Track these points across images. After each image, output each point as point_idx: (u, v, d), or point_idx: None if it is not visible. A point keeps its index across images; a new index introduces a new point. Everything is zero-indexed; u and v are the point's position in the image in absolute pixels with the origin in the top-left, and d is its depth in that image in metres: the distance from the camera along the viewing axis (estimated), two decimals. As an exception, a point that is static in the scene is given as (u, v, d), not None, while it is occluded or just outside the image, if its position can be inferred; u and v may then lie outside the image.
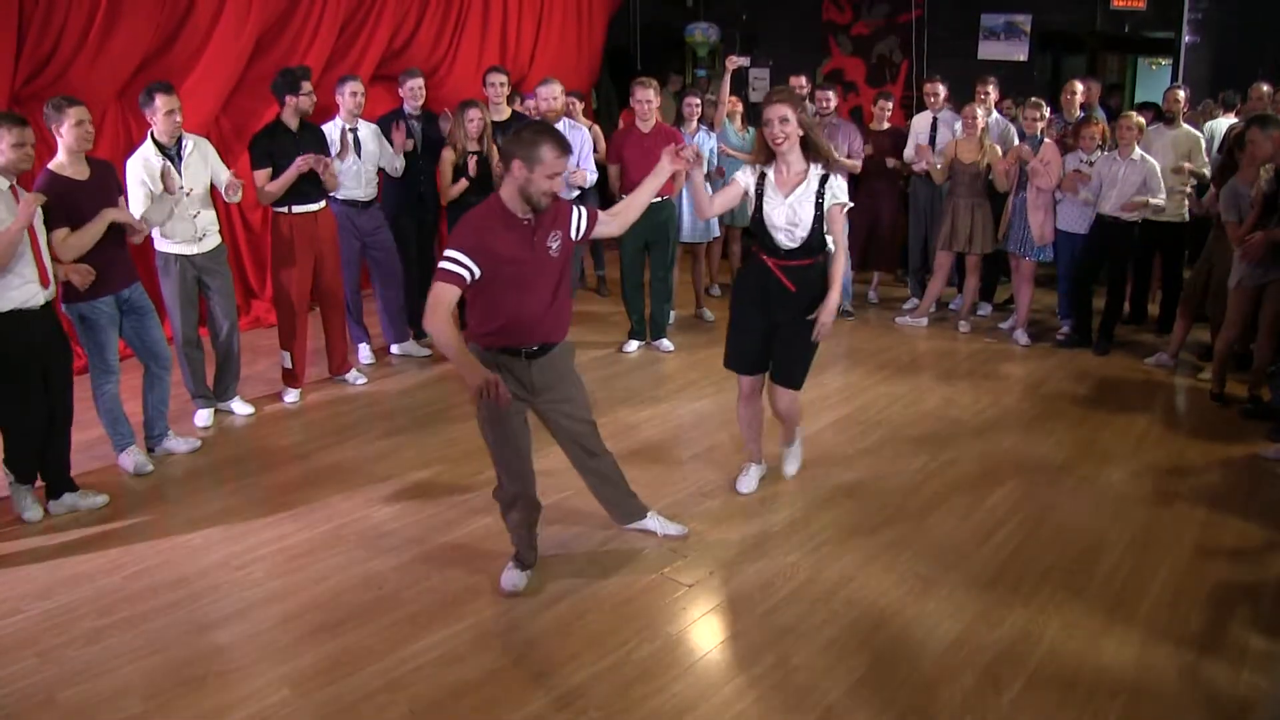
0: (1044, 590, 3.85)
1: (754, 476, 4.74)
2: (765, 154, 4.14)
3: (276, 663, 3.44)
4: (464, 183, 6.14)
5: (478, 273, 3.35)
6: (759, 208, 4.17)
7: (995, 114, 7.35)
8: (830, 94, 7.38)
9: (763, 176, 4.17)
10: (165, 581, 3.98)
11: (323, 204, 5.79)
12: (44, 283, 4.27)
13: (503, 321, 3.48)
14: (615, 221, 3.87)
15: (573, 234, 3.63)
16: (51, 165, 4.50)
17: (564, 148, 3.38)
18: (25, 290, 4.17)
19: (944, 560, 4.08)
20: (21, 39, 5.89)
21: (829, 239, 4.19)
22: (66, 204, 4.42)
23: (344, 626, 3.64)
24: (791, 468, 4.86)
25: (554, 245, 3.52)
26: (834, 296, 4.16)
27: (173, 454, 5.15)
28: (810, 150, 4.10)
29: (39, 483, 4.51)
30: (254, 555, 4.20)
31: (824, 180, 4.08)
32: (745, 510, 4.51)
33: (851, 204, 4.21)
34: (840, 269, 4.19)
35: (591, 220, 3.71)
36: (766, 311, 4.28)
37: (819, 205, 4.08)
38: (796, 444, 4.85)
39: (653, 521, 4.24)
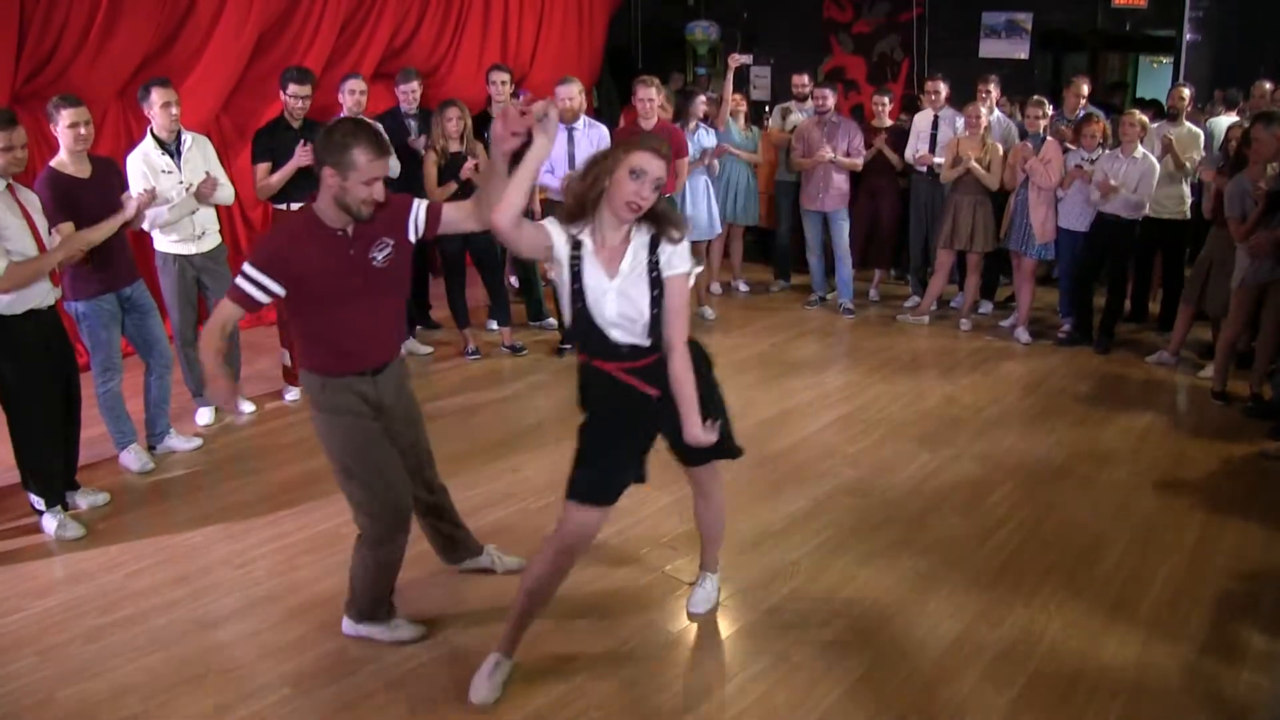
0: (1045, 589, 3.84)
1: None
2: (575, 210, 2.94)
3: (278, 661, 3.44)
4: (452, 185, 6.13)
5: (279, 291, 3.02)
6: (577, 295, 2.94)
7: (997, 112, 7.35)
8: (828, 91, 7.37)
9: (577, 244, 2.94)
10: (166, 579, 3.98)
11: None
12: (54, 281, 4.28)
13: (326, 344, 3.15)
14: (478, 212, 3.11)
15: (410, 236, 3.17)
16: (53, 163, 4.50)
17: (381, 149, 2.96)
18: (38, 289, 4.17)
19: (945, 559, 4.07)
20: (22, 37, 5.89)
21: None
22: (68, 201, 4.41)
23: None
24: (702, 606, 3.68)
25: (379, 255, 3.10)
26: (691, 411, 3.00)
27: (174, 452, 5.15)
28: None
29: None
30: (255, 553, 4.19)
31: (653, 244, 2.94)
32: (744, 509, 4.46)
33: (699, 269, 3.11)
34: (685, 371, 3.00)
35: (433, 217, 3.17)
36: (635, 429, 3.14)
37: (655, 282, 2.93)
38: (716, 576, 3.76)
39: (487, 558, 3.92)
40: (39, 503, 4.33)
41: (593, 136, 6.33)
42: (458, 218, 3.19)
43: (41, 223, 4.24)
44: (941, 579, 3.92)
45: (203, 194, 5.12)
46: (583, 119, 6.37)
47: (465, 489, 4.41)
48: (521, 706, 3.18)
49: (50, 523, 4.32)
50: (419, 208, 3.18)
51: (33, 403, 4.23)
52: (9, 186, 4.12)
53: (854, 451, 5.16)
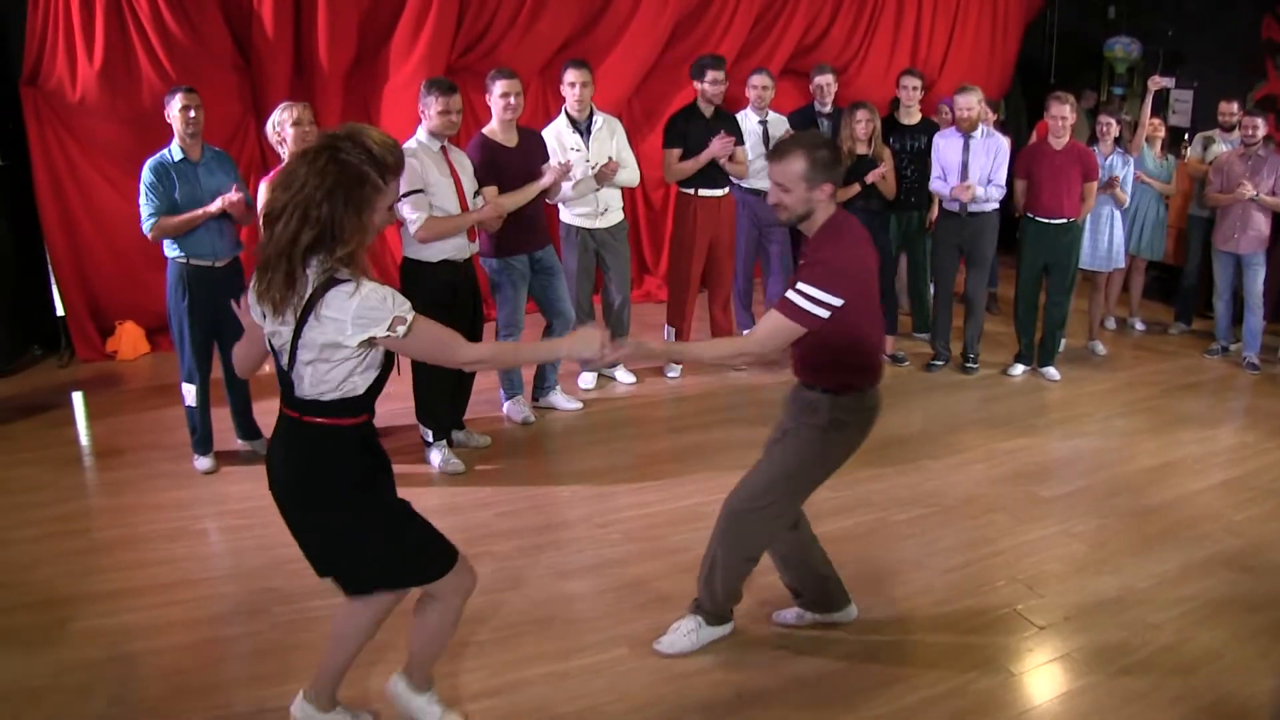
0: None
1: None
2: None
3: (619, 621, 3.44)
4: (855, 187, 5.87)
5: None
6: None
7: None
8: (1259, 121, 6.25)
9: None
10: (531, 525, 4.11)
11: (726, 190, 5.81)
12: (470, 237, 4.59)
13: (863, 354, 2.99)
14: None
15: None
16: (485, 130, 4.85)
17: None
18: (454, 243, 4.49)
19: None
20: (461, 16, 6.52)
21: None
22: (495, 166, 4.73)
23: (688, 600, 3.51)
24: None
25: None
26: None
27: (555, 409, 5.38)
28: None
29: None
30: (616, 516, 4.23)
31: None
32: (1110, 560, 3.97)
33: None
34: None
35: None
36: None
37: None
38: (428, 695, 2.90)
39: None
40: (428, 435, 4.69)
41: (990, 147, 5.91)
42: None
43: (469, 184, 4.56)
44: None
45: (603, 175, 5.28)
46: (981, 128, 5.93)
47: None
48: (849, 712, 2.96)
49: (435, 455, 4.66)
50: None
51: None
52: (443, 148, 4.48)
53: (1239, 520, 4.35)
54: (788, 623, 3.44)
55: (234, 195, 4.26)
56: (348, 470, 2.45)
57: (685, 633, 3.27)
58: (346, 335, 2.24)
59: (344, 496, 2.46)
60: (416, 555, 2.60)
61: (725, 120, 5.74)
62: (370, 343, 2.28)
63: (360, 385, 2.38)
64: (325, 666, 2.78)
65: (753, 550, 3.16)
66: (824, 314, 2.81)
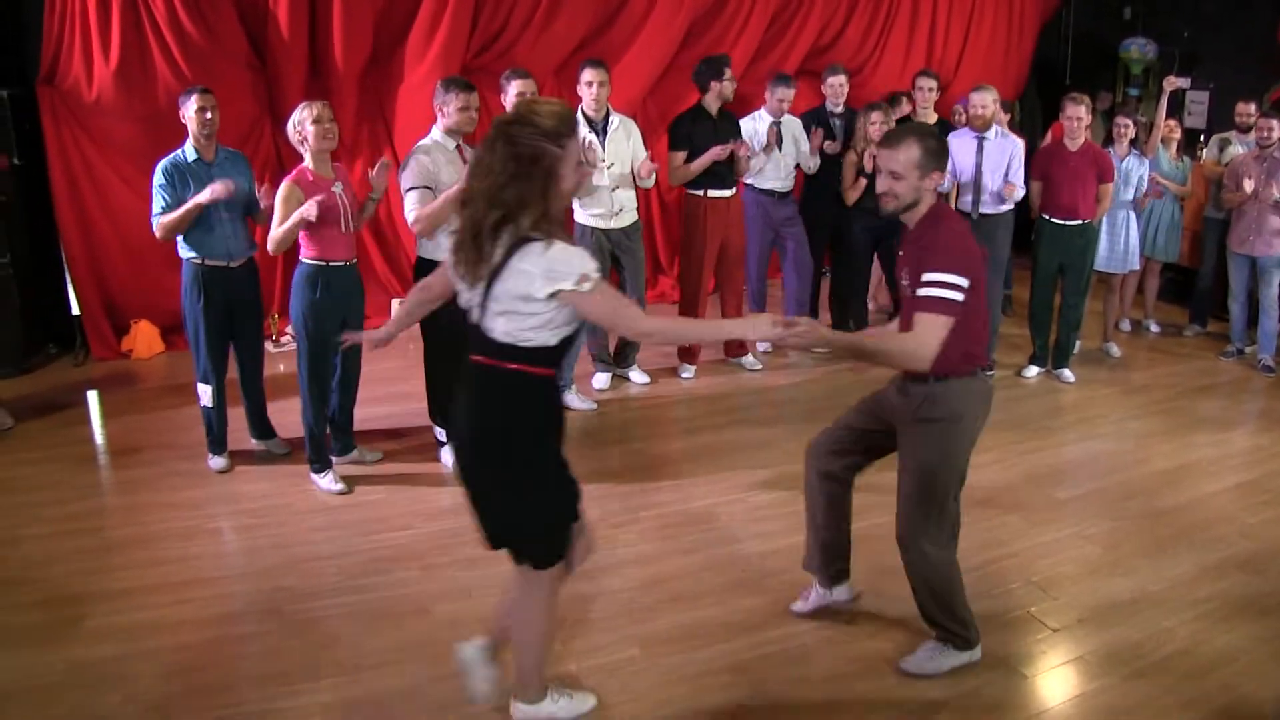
0: None
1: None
2: None
3: (631, 622, 3.44)
4: (863, 183, 5.85)
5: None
6: None
7: None
8: (1274, 123, 6.21)
9: None
10: (544, 525, 4.10)
11: (733, 190, 5.79)
12: None
13: (973, 337, 2.93)
14: None
15: None
16: (497, 130, 4.84)
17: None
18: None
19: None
20: (476, 16, 6.53)
21: None
22: None
23: (701, 601, 3.57)
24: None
25: None
26: None
27: (569, 409, 5.36)
28: None
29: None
30: (630, 516, 4.22)
31: None
32: (1124, 562, 3.95)
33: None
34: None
35: None
36: None
37: None
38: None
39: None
40: (441, 434, 4.68)
41: (1004, 147, 5.88)
42: None
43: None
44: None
45: (641, 174, 5.34)
46: (994, 129, 5.91)
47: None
48: (865, 715, 2.87)
49: (448, 455, 4.64)
50: None
51: (443, 341, 4.53)
52: (458, 147, 4.47)
53: (1254, 523, 4.32)
54: (806, 611, 3.46)
55: (218, 186, 4.17)
56: (537, 416, 2.56)
57: (929, 654, 3.20)
58: (536, 288, 2.37)
59: (531, 444, 2.54)
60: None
61: (729, 121, 5.73)
62: (557, 296, 2.39)
63: (552, 339, 2.50)
64: (522, 662, 2.79)
65: (943, 563, 3.07)
66: (961, 298, 2.78)
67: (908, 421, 3.00)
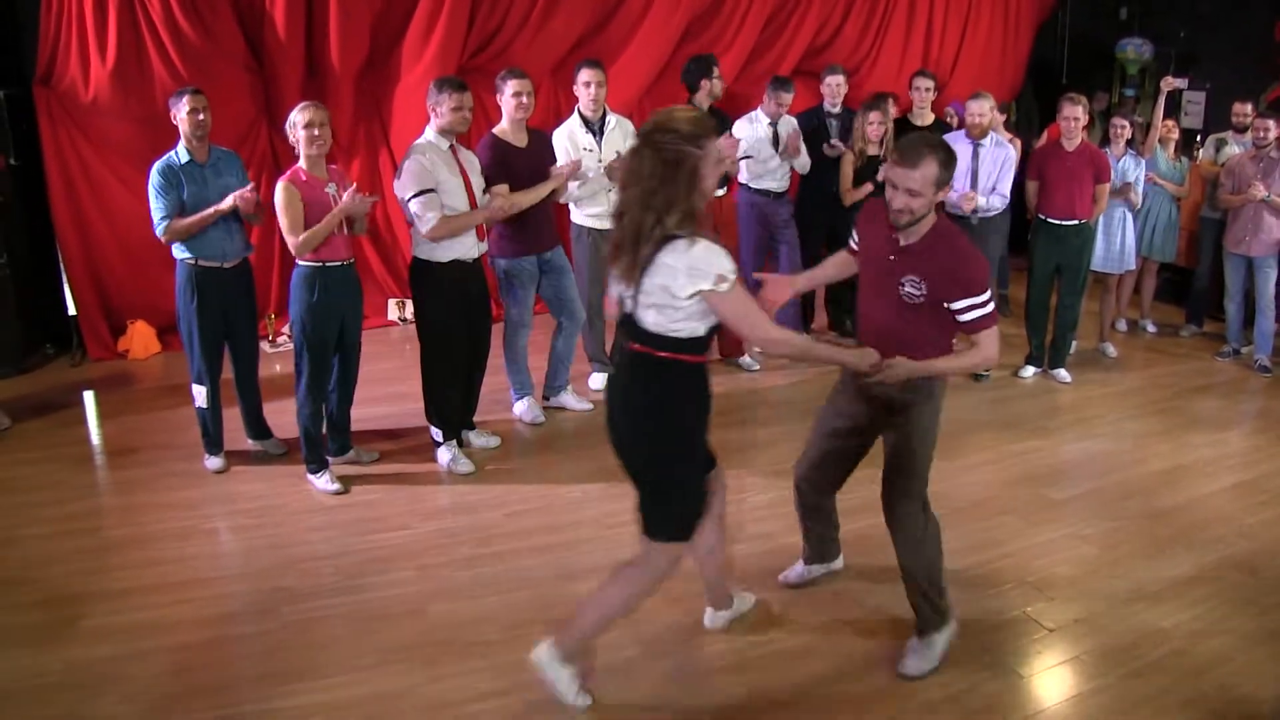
0: None
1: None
2: None
3: (629, 622, 3.34)
4: (868, 186, 5.86)
5: None
6: None
7: None
8: (1270, 123, 6.22)
9: None
10: (540, 525, 4.10)
11: (724, 190, 5.80)
12: (480, 236, 4.58)
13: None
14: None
15: None
16: (495, 129, 4.83)
17: None
18: (464, 242, 4.47)
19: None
20: (472, 16, 6.52)
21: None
22: (505, 166, 4.71)
23: (701, 601, 3.52)
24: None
25: None
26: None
27: (565, 409, 5.36)
28: None
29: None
30: (627, 517, 4.09)
31: None
32: (1121, 563, 3.96)
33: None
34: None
35: None
36: None
37: None
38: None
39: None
40: (438, 435, 4.68)
41: (997, 156, 5.88)
42: None
43: (476, 181, 4.54)
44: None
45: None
46: (991, 136, 5.90)
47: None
48: (863, 714, 2.94)
49: (445, 455, 4.65)
50: None
51: (444, 342, 4.55)
52: (451, 147, 4.47)
53: (1252, 523, 4.33)
54: (792, 582, 3.66)
55: (247, 191, 4.25)
56: (689, 396, 2.72)
57: (919, 652, 3.25)
58: (679, 285, 2.52)
59: (683, 423, 2.73)
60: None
61: (720, 119, 5.72)
62: (697, 295, 2.52)
63: (701, 328, 2.64)
64: (587, 618, 2.92)
65: (929, 521, 3.23)
66: (995, 302, 3.01)
67: (886, 413, 3.16)
